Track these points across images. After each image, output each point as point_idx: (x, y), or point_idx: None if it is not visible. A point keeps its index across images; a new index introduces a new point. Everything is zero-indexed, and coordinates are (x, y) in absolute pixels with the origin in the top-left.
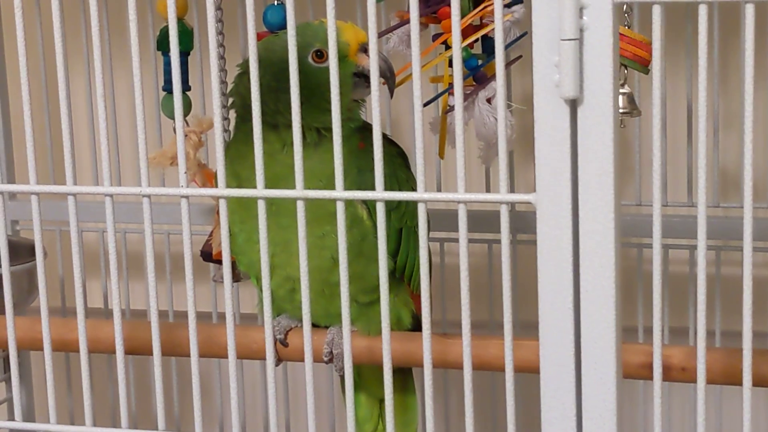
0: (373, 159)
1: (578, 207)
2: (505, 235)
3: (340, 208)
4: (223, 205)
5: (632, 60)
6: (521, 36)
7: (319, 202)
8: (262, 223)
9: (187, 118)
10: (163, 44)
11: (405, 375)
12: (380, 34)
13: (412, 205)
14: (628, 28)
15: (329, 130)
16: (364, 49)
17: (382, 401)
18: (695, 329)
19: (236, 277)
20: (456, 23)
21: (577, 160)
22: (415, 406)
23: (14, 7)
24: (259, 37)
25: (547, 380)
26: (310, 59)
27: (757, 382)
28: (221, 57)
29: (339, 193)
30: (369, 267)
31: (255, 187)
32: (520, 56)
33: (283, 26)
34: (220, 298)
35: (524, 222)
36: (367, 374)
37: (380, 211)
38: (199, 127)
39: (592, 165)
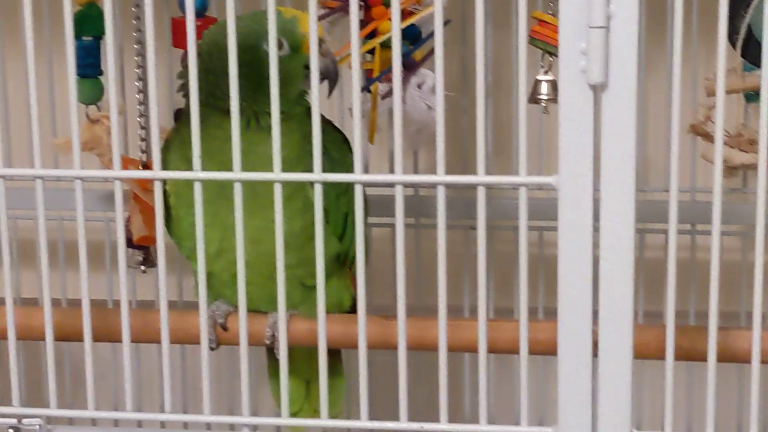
0: (327, 143)
1: (599, 189)
2: (523, 219)
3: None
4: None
5: (554, 46)
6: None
7: (272, 186)
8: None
9: (99, 103)
10: (77, 28)
11: (334, 357)
12: None
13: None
14: (553, 15)
15: (284, 113)
16: (321, 43)
17: (308, 382)
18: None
19: (151, 263)
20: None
21: (598, 144)
22: (342, 387)
23: None
24: (205, 24)
25: (564, 359)
26: (264, 47)
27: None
28: (138, 42)
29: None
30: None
31: (207, 170)
32: None
33: (203, 11)
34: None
35: (427, 206)
36: (295, 356)
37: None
38: None
39: (616, 149)
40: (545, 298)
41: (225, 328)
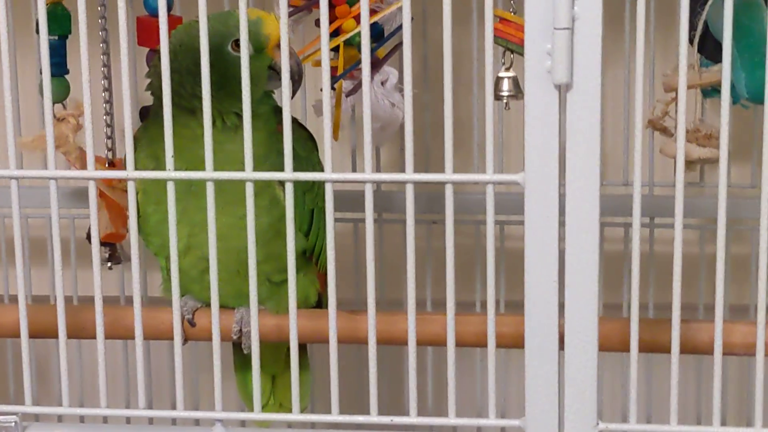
0: (293, 141)
1: (563, 185)
2: (490, 215)
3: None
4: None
5: (516, 44)
6: None
7: (239, 183)
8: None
9: (65, 101)
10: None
11: (300, 352)
12: None
13: (323, 188)
14: (514, 13)
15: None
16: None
17: (274, 377)
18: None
19: (117, 259)
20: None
21: (562, 143)
22: (308, 382)
23: None
24: (170, 22)
25: (531, 353)
26: (229, 48)
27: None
28: (104, 41)
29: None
30: (284, 246)
31: (175, 169)
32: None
33: (167, 10)
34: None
35: (390, 202)
36: (261, 351)
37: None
38: (77, 110)
39: (580, 147)
40: (506, 291)
41: (192, 324)
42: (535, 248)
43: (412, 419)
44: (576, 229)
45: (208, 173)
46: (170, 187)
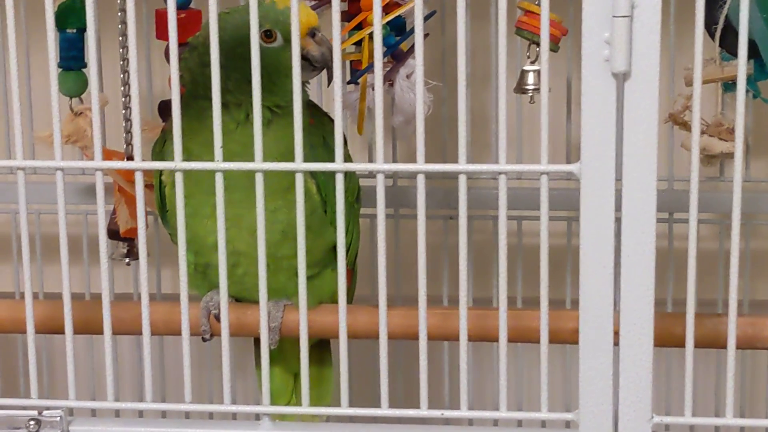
0: (323, 134)
1: (621, 177)
2: (544, 205)
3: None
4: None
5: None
6: (430, 15)
7: (271, 177)
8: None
9: (82, 95)
10: (61, 21)
11: (322, 348)
12: None
13: (353, 182)
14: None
15: (280, 107)
16: (312, 33)
17: (296, 375)
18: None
19: (135, 255)
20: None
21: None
22: (331, 378)
23: None
24: (189, 16)
25: (585, 347)
26: (260, 39)
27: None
28: (123, 34)
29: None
30: (315, 241)
31: (208, 161)
32: (428, 34)
33: (187, 3)
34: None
35: (406, 196)
36: (285, 347)
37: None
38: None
39: (638, 137)
40: (524, 287)
41: (219, 319)
42: (591, 240)
43: (464, 413)
44: (633, 222)
45: (258, 164)
46: (219, 178)
